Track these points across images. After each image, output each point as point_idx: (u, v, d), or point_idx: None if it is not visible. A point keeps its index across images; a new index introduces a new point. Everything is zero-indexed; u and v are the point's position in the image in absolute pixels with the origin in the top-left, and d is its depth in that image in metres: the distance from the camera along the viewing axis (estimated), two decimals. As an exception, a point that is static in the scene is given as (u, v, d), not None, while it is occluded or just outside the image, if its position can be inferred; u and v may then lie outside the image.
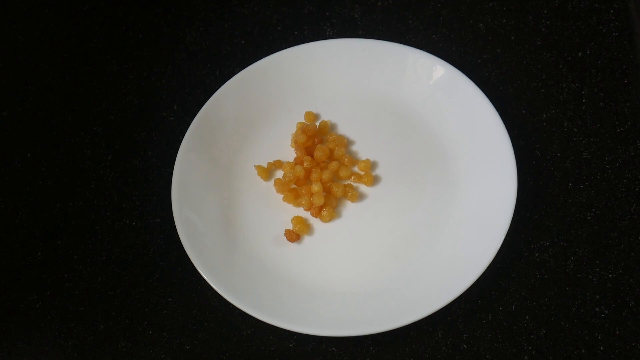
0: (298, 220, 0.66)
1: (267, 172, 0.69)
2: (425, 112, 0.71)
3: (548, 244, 0.64)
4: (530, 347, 0.59)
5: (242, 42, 0.78)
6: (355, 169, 0.69)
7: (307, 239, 0.66)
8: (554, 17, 0.76)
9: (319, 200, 0.65)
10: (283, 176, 0.68)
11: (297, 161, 0.68)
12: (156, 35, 0.79)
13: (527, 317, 0.61)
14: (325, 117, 0.71)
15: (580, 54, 0.73)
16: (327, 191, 0.67)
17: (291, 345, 0.61)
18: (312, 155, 0.68)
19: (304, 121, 0.71)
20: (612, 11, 0.75)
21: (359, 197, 0.67)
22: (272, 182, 0.68)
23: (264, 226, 0.66)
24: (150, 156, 0.71)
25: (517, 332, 0.60)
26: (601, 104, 0.70)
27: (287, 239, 0.65)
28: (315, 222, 0.66)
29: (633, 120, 0.69)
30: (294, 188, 0.68)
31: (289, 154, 0.70)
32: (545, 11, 0.77)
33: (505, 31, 0.76)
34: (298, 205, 0.67)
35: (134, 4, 0.82)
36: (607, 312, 0.60)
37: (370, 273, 0.63)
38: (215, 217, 0.66)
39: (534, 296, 0.61)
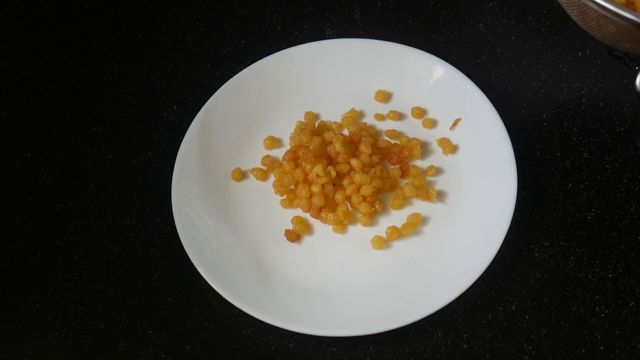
0: (298, 220, 0.66)
1: (265, 173, 0.69)
2: (425, 112, 0.71)
3: (548, 244, 0.64)
4: (530, 347, 0.59)
5: (242, 42, 0.78)
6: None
7: (307, 239, 0.66)
8: (554, 17, 0.76)
9: (319, 202, 0.65)
10: (274, 183, 0.67)
11: (287, 157, 0.68)
12: (156, 35, 0.79)
13: (527, 317, 0.61)
14: (325, 117, 0.71)
15: (580, 54, 0.73)
16: (327, 196, 0.66)
17: (291, 345, 0.61)
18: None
19: (303, 121, 0.71)
20: (612, 11, 0.75)
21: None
22: (271, 182, 0.68)
23: (264, 226, 0.66)
24: (150, 156, 0.71)
25: (517, 332, 0.60)
26: (601, 104, 0.70)
27: (287, 239, 0.65)
28: (315, 222, 0.66)
29: (633, 120, 0.69)
30: (291, 189, 0.67)
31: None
32: (545, 11, 0.77)
33: (505, 31, 0.76)
34: (296, 206, 0.67)
35: (134, 4, 0.82)
36: (607, 312, 0.60)
37: (370, 273, 0.63)
38: (215, 217, 0.66)
39: (534, 296, 0.61)
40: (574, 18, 0.63)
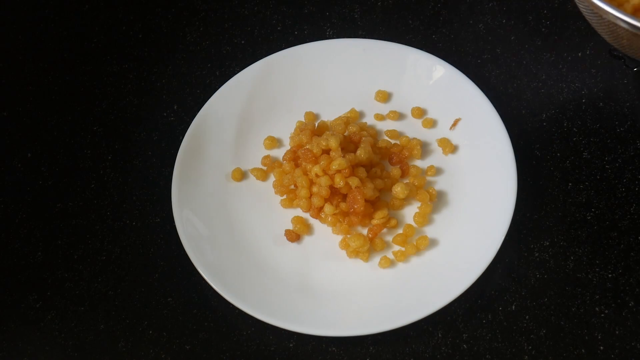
0: (298, 220, 0.66)
1: (265, 173, 0.69)
2: (425, 112, 0.71)
3: (548, 243, 0.64)
4: (530, 347, 0.59)
5: (242, 42, 0.78)
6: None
7: (307, 239, 0.66)
8: (554, 17, 0.76)
9: (318, 202, 0.65)
10: (274, 183, 0.67)
11: (287, 157, 0.68)
12: (156, 35, 0.79)
13: (527, 317, 0.61)
14: (325, 117, 0.71)
15: (580, 54, 0.73)
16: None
17: (291, 345, 0.61)
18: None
19: (303, 121, 0.71)
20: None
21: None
22: (271, 182, 0.68)
23: (264, 226, 0.66)
24: (150, 156, 0.71)
25: (517, 332, 0.60)
26: (601, 104, 0.70)
27: (287, 239, 0.65)
28: (315, 222, 0.66)
29: (633, 120, 0.69)
30: (291, 189, 0.67)
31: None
32: (545, 11, 0.77)
33: (505, 31, 0.76)
34: (296, 206, 0.67)
35: (134, 4, 0.82)
36: (607, 312, 0.60)
37: (370, 273, 0.63)
38: (215, 216, 0.66)
39: (534, 296, 0.61)
40: (605, 37, 0.65)
